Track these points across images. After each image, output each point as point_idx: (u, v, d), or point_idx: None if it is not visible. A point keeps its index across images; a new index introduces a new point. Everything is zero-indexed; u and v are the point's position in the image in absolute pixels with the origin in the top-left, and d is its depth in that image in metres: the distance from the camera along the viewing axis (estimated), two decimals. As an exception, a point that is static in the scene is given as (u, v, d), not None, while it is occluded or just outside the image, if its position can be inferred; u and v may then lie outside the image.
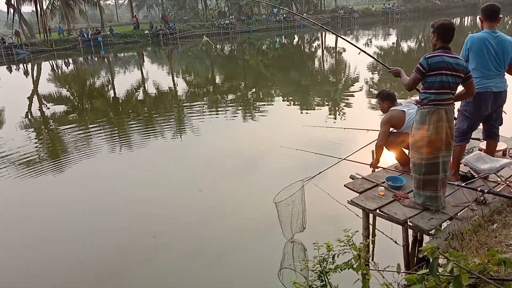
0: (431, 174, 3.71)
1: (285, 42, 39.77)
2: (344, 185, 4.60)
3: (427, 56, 3.58)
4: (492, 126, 4.58)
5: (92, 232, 5.61)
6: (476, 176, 4.21)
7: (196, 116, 11.97)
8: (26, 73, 28.08)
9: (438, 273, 1.87)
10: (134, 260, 4.90)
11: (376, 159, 4.93)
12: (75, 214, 6.15)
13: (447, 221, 3.73)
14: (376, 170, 5.02)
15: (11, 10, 39.78)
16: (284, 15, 51.72)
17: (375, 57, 5.31)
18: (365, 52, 5.59)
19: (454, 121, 3.84)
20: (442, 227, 3.69)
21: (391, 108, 4.80)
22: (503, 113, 4.61)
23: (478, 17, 4.52)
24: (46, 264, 4.98)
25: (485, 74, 4.25)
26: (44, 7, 39.70)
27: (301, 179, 4.71)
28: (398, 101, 4.95)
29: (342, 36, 6.06)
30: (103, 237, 5.47)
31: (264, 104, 13.13)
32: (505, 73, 4.41)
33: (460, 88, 3.81)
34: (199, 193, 6.50)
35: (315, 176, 4.95)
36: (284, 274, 4.20)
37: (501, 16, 4.40)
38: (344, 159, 5.48)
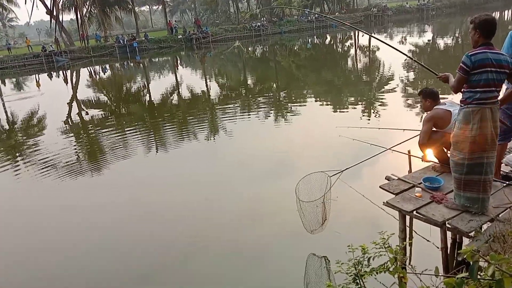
0: (474, 175, 3.57)
1: (317, 42, 39.54)
2: (380, 187, 4.52)
3: (469, 54, 3.42)
4: None
5: (131, 234, 5.76)
6: (519, 176, 4.05)
7: (229, 118, 12.06)
8: (65, 79, 29.15)
9: (478, 277, 1.81)
10: (172, 262, 4.99)
11: (423, 156, 4.78)
12: (114, 218, 6.33)
13: (488, 223, 3.61)
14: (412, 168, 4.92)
15: (52, 20, 41.38)
16: (316, 15, 51.40)
17: (421, 62, 5.15)
18: (407, 55, 5.44)
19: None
20: (483, 229, 3.58)
21: (435, 107, 4.63)
22: None
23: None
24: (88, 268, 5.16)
25: None
26: (83, 15, 41.06)
27: (325, 171, 4.59)
28: (443, 100, 4.80)
29: (375, 36, 5.91)
30: (141, 238, 5.60)
31: (296, 106, 13.08)
32: None
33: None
34: (234, 195, 6.55)
35: (343, 171, 4.84)
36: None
37: None
38: (389, 149, 5.36)
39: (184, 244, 5.35)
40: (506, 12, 46.79)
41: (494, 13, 42.90)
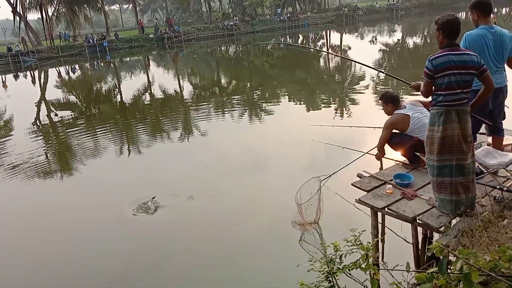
0: (444, 177, 3.57)
1: (290, 41, 39.72)
2: (352, 184, 4.56)
3: (431, 58, 3.44)
4: (495, 122, 4.53)
5: (103, 237, 5.64)
6: (485, 171, 4.16)
7: (203, 118, 11.98)
8: (33, 80, 28.33)
9: (447, 271, 1.84)
10: (147, 264, 4.90)
11: (379, 158, 4.90)
12: (83, 219, 6.18)
13: (457, 218, 3.68)
14: (383, 165, 5.00)
15: (17, 18, 40.14)
16: (288, 15, 51.70)
17: (400, 78, 5.24)
18: (377, 70, 5.52)
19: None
20: (452, 224, 3.65)
21: (395, 112, 4.73)
22: (505, 108, 4.57)
23: (472, 17, 4.39)
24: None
25: None
26: (50, 14, 39.97)
27: (317, 176, 4.83)
28: (403, 103, 4.90)
29: (357, 61, 5.98)
30: (113, 241, 5.49)
31: (270, 104, 13.12)
32: (505, 67, 4.36)
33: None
34: (210, 195, 6.49)
35: (332, 174, 4.98)
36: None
37: (494, 11, 4.35)
38: (367, 153, 5.45)
39: (163, 244, 5.27)
40: (472, 12, 48.11)
41: (460, 13, 44.11)
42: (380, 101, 5.02)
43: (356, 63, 16.36)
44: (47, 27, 38.68)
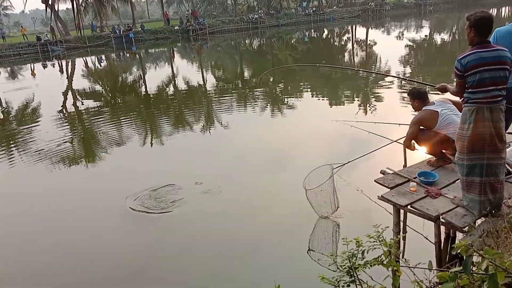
0: (474, 176, 3.50)
1: (315, 35, 39.42)
2: (375, 180, 4.53)
3: (459, 58, 3.39)
4: None
5: (121, 227, 5.74)
6: (513, 171, 4.06)
7: (225, 110, 12.03)
8: (61, 69, 28.94)
9: (472, 271, 1.81)
10: (164, 256, 4.96)
11: (410, 148, 4.82)
12: (107, 206, 6.30)
13: (482, 218, 3.61)
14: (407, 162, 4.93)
15: (48, 9, 41.02)
16: (313, 9, 51.30)
17: (418, 80, 5.21)
18: (404, 78, 5.46)
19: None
20: (476, 224, 3.59)
21: (423, 108, 4.65)
22: None
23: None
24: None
25: None
26: (74, 5, 40.67)
27: (330, 164, 4.79)
28: (432, 99, 4.82)
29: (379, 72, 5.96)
30: (133, 232, 5.58)
31: (293, 98, 13.08)
32: None
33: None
34: (230, 188, 6.52)
35: (345, 164, 4.95)
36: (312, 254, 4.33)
37: None
38: (395, 141, 5.43)
39: (178, 237, 5.32)
40: (503, 8, 46.81)
41: (491, 10, 42.92)
42: (408, 97, 4.97)
43: (379, 66, 16.14)
44: (77, 17, 39.38)
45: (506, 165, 4.01)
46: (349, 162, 5.04)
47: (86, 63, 31.12)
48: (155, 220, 5.73)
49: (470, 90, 3.40)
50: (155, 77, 20.78)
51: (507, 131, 4.59)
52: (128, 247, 5.20)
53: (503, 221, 3.31)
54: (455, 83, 3.64)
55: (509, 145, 4.67)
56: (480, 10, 3.46)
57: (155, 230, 5.55)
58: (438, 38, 28.77)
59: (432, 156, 4.82)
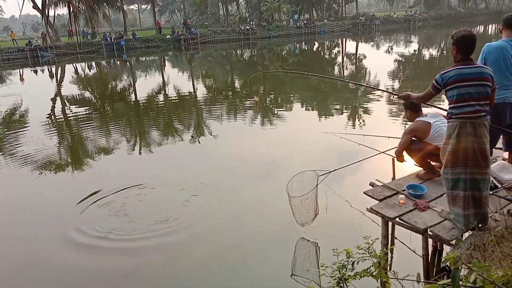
0: (458, 190, 3.55)
1: (305, 48, 39.75)
2: (364, 192, 4.55)
3: (441, 72, 3.52)
4: None
5: (111, 237, 5.68)
6: (500, 186, 4.12)
7: (215, 120, 12.04)
8: (50, 75, 28.73)
9: (460, 284, 1.83)
10: (152, 264, 4.92)
11: (399, 159, 4.86)
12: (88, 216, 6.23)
13: (469, 231, 3.65)
14: (396, 175, 4.97)
15: (39, 14, 40.86)
16: (305, 21, 51.82)
17: (388, 90, 5.35)
18: (369, 86, 5.55)
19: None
20: (464, 238, 3.62)
21: (416, 119, 4.74)
22: None
23: (498, 27, 4.46)
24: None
25: (503, 84, 4.17)
26: (71, 11, 40.55)
27: (315, 170, 4.74)
28: (425, 111, 4.89)
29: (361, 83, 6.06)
30: (122, 239, 5.52)
31: (283, 110, 13.14)
32: None
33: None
34: (217, 197, 6.50)
35: (331, 171, 4.93)
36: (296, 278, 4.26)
37: None
38: (384, 152, 5.43)
39: (167, 246, 5.27)
40: (490, 25, 47.77)
41: (478, 27, 43.72)
42: (396, 111, 5.06)
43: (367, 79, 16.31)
44: (73, 24, 39.24)
45: (493, 179, 4.07)
46: (335, 170, 5.03)
47: (76, 69, 30.95)
48: (143, 226, 5.67)
49: (452, 105, 3.49)
50: (145, 85, 20.72)
51: (495, 147, 4.68)
52: (119, 251, 5.15)
53: (490, 235, 3.35)
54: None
55: (496, 160, 4.75)
56: (464, 29, 3.56)
57: (144, 237, 5.48)
58: (426, 53, 29.22)
59: (421, 169, 4.87)
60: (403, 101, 4.24)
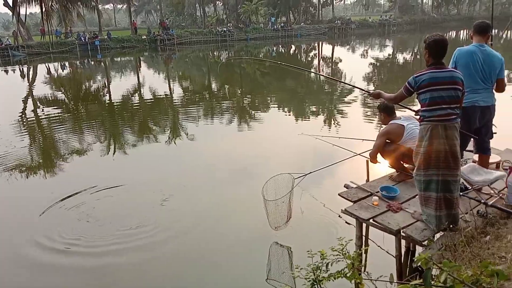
0: (430, 192, 3.63)
1: (282, 51, 39.93)
2: (339, 194, 4.60)
3: (415, 75, 3.60)
4: (482, 140, 4.64)
5: (87, 240, 5.55)
6: (470, 187, 4.22)
7: (192, 122, 11.95)
8: (22, 75, 27.99)
9: (431, 284, 1.86)
10: (123, 269, 4.82)
11: (373, 160, 4.92)
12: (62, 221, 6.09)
13: (440, 232, 3.73)
14: (370, 177, 5.04)
15: (11, 12, 39.79)
16: (282, 24, 52.10)
17: (353, 84, 5.46)
18: (340, 81, 5.63)
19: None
20: (435, 238, 3.70)
21: (390, 122, 4.84)
22: (493, 127, 4.67)
23: (469, 33, 4.60)
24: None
25: (473, 87, 4.30)
26: (43, 9, 39.60)
27: (291, 173, 4.73)
28: (398, 114, 4.99)
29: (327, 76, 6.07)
30: (93, 242, 5.40)
31: (260, 112, 13.15)
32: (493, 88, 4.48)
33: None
34: (191, 199, 6.44)
35: (306, 174, 4.94)
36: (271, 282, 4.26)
37: (490, 34, 4.49)
38: (359, 154, 5.50)
39: (140, 248, 5.17)
40: (462, 31, 49.06)
41: (451, 32, 44.84)
42: (371, 113, 5.15)
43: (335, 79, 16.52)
44: (46, 23, 38.24)
45: (463, 181, 4.17)
46: (310, 172, 5.05)
47: (48, 69, 30.25)
48: (116, 228, 5.57)
49: (424, 108, 3.57)
50: (120, 86, 20.39)
51: (465, 149, 4.81)
52: (92, 256, 5.03)
53: (460, 235, 3.43)
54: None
55: (466, 162, 4.87)
56: (436, 33, 3.66)
57: (115, 239, 5.38)
58: (400, 57, 29.79)
59: (394, 171, 4.96)
60: (374, 99, 4.30)
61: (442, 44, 3.54)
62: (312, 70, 19.15)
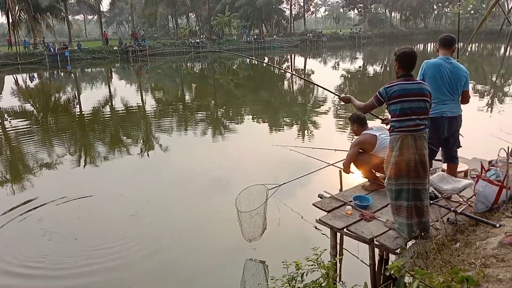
0: (401, 200, 3.70)
1: (255, 63, 40.18)
2: (313, 204, 4.63)
3: (386, 86, 3.68)
4: (450, 149, 4.78)
5: (55, 249, 5.39)
6: (440, 196, 4.32)
7: (165, 133, 11.84)
8: (-13, 86, 27.15)
9: (404, 291, 1.89)
10: (96, 281, 4.69)
11: (346, 170, 4.98)
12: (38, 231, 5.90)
13: (412, 240, 3.80)
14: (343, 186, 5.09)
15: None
16: (254, 36, 52.51)
17: (325, 87, 5.54)
18: (310, 81, 5.72)
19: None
20: (408, 246, 3.75)
21: (363, 132, 4.92)
22: (460, 136, 4.82)
23: (435, 47, 4.76)
24: None
25: (440, 99, 4.44)
26: (10, 20, 38.59)
27: (264, 184, 4.71)
28: (370, 125, 5.08)
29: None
30: (63, 256, 5.24)
31: (234, 123, 13.15)
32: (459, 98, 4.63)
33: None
34: (164, 212, 6.34)
35: (280, 185, 4.93)
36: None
37: (455, 47, 4.66)
38: (332, 164, 5.53)
39: (109, 261, 5.03)
40: (429, 44, 50.59)
41: (418, 45, 46.15)
42: (343, 124, 5.22)
43: (318, 87, 16.72)
44: (12, 33, 37.12)
45: (433, 189, 4.27)
46: (284, 183, 5.06)
47: (16, 80, 29.46)
48: (84, 244, 5.42)
49: (395, 119, 3.66)
50: (91, 97, 20.01)
51: (434, 158, 4.93)
52: (63, 271, 4.87)
53: (432, 243, 3.50)
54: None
55: (436, 171, 5.00)
56: (406, 46, 3.78)
57: (84, 255, 5.23)
58: (370, 69, 30.44)
59: (366, 180, 5.03)
60: (344, 103, 4.37)
61: (411, 56, 3.65)
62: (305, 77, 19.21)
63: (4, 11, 37.14)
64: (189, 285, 4.66)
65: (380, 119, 4.29)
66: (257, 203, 4.55)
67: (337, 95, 4.80)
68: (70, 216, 6.24)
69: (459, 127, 4.71)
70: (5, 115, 16.37)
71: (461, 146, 4.86)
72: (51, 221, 6.02)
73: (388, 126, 4.21)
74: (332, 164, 5.58)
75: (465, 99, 4.69)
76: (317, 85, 5.57)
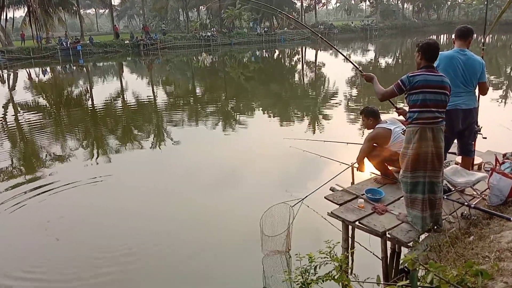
0: (417, 193, 3.68)
1: (266, 55, 40.07)
2: (325, 197, 4.62)
3: (409, 75, 3.61)
4: (466, 142, 4.72)
5: (70, 245, 5.47)
6: (453, 189, 4.29)
7: (176, 127, 11.90)
8: (2, 80, 27.49)
9: (418, 284, 1.88)
10: (111, 277, 4.74)
11: (360, 168, 4.96)
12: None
13: (425, 233, 3.78)
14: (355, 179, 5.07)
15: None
16: (265, 29, 52.29)
17: (354, 63, 5.42)
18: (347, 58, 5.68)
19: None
20: (420, 239, 3.74)
21: (377, 126, 4.84)
22: (479, 128, 4.76)
23: (452, 38, 4.69)
24: None
25: (454, 91, 4.37)
26: (23, 14, 38.93)
27: (288, 201, 4.71)
28: (383, 118, 5.03)
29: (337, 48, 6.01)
30: (80, 251, 5.33)
31: (244, 117, 13.16)
32: (475, 91, 4.57)
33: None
34: (178, 206, 6.40)
35: (302, 200, 4.91)
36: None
37: (472, 38, 4.58)
38: (351, 165, 5.44)
39: (121, 257, 5.08)
40: (442, 36, 49.96)
41: (431, 37, 45.47)
42: (360, 116, 5.13)
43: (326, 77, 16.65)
44: (35, 26, 37.32)
45: (447, 183, 4.23)
46: (306, 197, 5.05)
47: (29, 75, 29.77)
48: (98, 236, 5.50)
49: (414, 109, 3.60)
50: (103, 91, 20.18)
51: (449, 151, 4.88)
52: (72, 264, 4.95)
53: (445, 236, 3.48)
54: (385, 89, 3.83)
55: (449, 163, 4.95)
56: (429, 38, 3.73)
57: (97, 248, 5.30)
58: (383, 61, 30.15)
59: (378, 173, 5.00)
60: (366, 81, 4.24)
61: (434, 48, 3.63)
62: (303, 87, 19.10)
63: (21, 5, 37.33)
64: (207, 279, 4.69)
65: (396, 107, 4.21)
66: (279, 220, 4.54)
67: (360, 70, 4.70)
68: (81, 204, 6.29)
69: (474, 120, 4.65)
70: (18, 108, 16.58)
71: (485, 138, 4.81)
72: (61, 207, 6.09)
73: (401, 117, 4.17)
74: (351, 166, 5.45)
75: (483, 91, 4.64)
76: (346, 58, 5.46)
